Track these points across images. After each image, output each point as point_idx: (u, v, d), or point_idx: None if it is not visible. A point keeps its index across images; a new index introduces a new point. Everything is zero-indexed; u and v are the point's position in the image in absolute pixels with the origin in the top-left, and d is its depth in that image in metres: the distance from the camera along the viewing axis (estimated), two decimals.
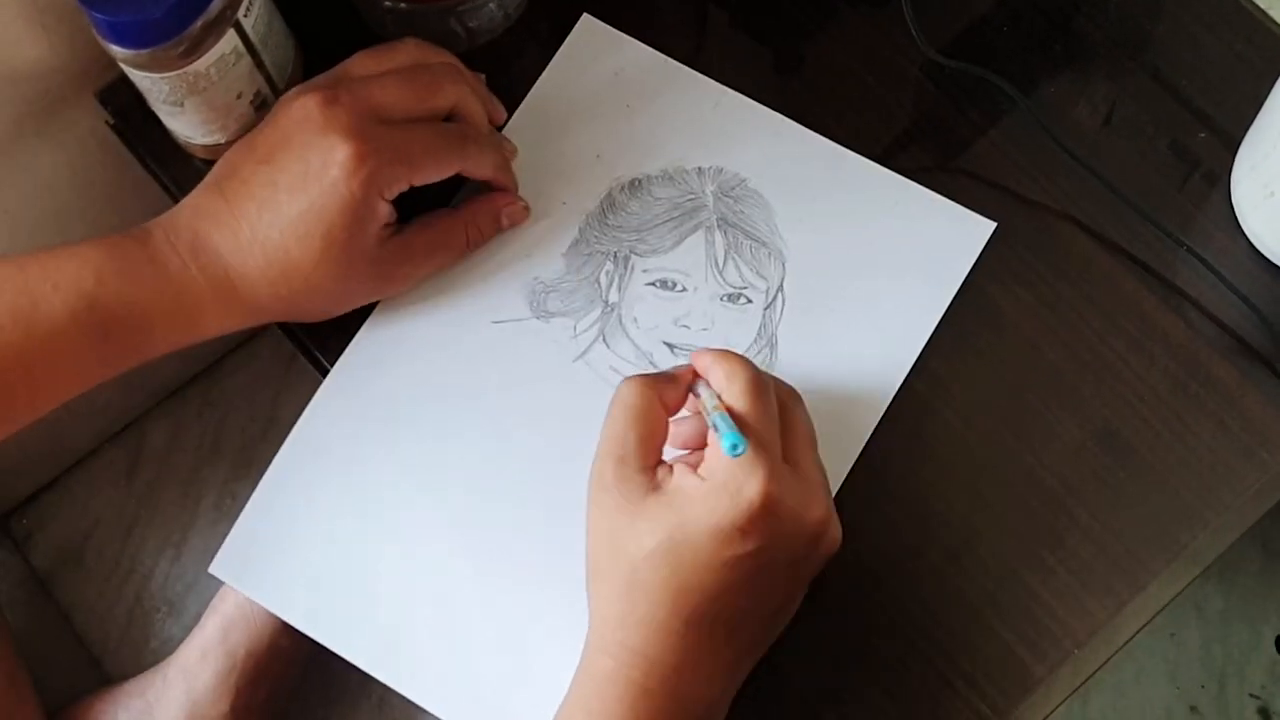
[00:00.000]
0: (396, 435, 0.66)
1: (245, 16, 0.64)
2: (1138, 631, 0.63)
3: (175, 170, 0.72)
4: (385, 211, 0.62)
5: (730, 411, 0.55)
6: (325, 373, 0.68)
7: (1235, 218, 0.68)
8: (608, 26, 0.73)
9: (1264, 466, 0.64)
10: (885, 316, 0.67)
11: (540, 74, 0.72)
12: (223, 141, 0.69)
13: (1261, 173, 0.65)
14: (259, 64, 0.67)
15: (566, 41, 0.73)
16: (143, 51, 0.62)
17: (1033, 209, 0.69)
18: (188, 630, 1.01)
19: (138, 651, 1.02)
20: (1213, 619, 1.05)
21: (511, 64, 0.73)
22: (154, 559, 1.05)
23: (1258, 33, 0.72)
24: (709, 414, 0.55)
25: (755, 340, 0.67)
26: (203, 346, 0.98)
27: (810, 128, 0.71)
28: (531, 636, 0.63)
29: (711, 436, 0.55)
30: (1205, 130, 0.70)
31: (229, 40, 0.64)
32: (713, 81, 0.71)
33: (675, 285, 0.68)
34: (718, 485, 0.54)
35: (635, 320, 0.67)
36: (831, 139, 0.70)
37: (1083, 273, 0.68)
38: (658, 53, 0.72)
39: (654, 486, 0.55)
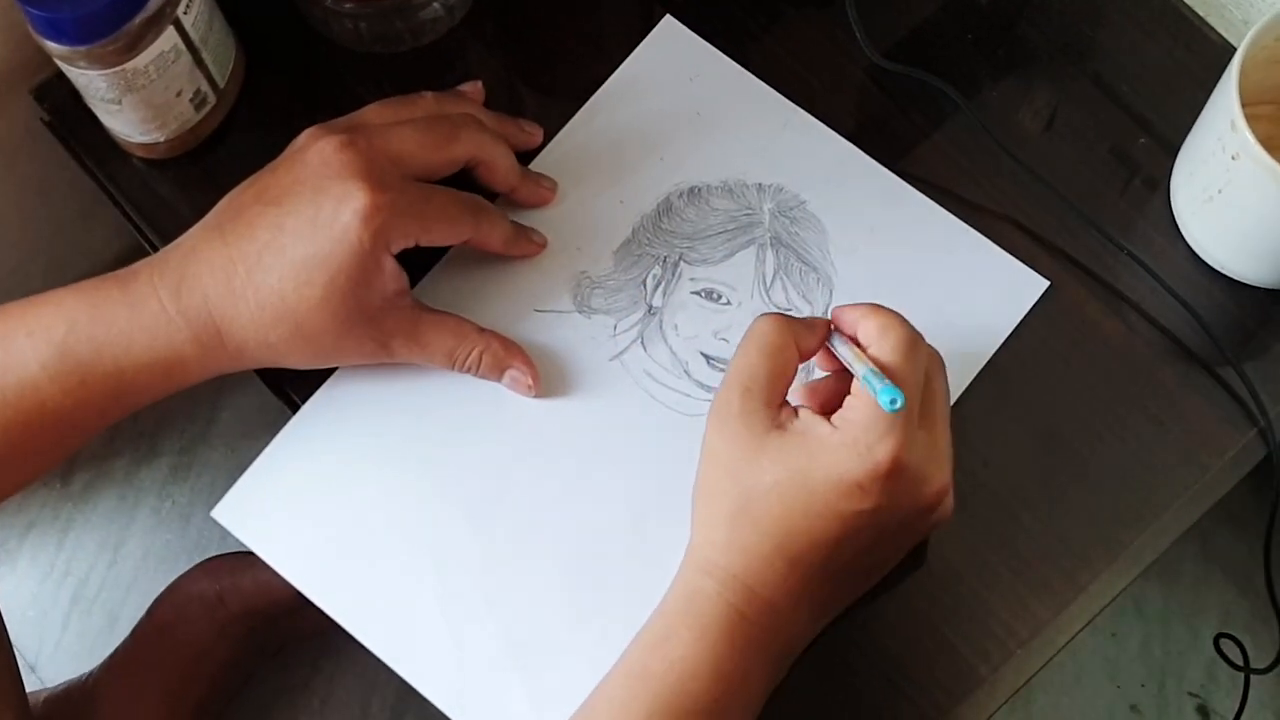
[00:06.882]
0: (422, 406, 0.66)
1: (185, 14, 0.63)
2: (1079, 631, 0.63)
3: (112, 169, 0.71)
4: (391, 269, 0.60)
5: (878, 364, 0.55)
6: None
7: (1175, 222, 0.69)
8: (689, 31, 0.72)
9: (1203, 468, 0.65)
10: None
11: (480, 76, 0.71)
12: (161, 140, 0.68)
13: (1200, 178, 0.66)
14: (199, 62, 0.66)
15: (645, 41, 0.72)
16: (79, 48, 0.61)
17: (975, 212, 0.69)
18: (125, 635, 1.00)
19: (74, 657, 1.01)
20: (1153, 618, 1.07)
21: (455, 64, 0.73)
22: (90, 563, 1.03)
23: (1196, 40, 0.73)
24: (854, 366, 0.55)
25: None
26: None
27: None
28: (525, 618, 0.62)
29: (856, 388, 0.55)
30: (1146, 136, 0.71)
31: (168, 38, 0.63)
32: (786, 100, 0.71)
33: (720, 297, 0.67)
34: (849, 439, 0.54)
35: (675, 327, 0.67)
36: None
37: None
38: (736, 64, 0.72)
39: (777, 424, 0.55)
